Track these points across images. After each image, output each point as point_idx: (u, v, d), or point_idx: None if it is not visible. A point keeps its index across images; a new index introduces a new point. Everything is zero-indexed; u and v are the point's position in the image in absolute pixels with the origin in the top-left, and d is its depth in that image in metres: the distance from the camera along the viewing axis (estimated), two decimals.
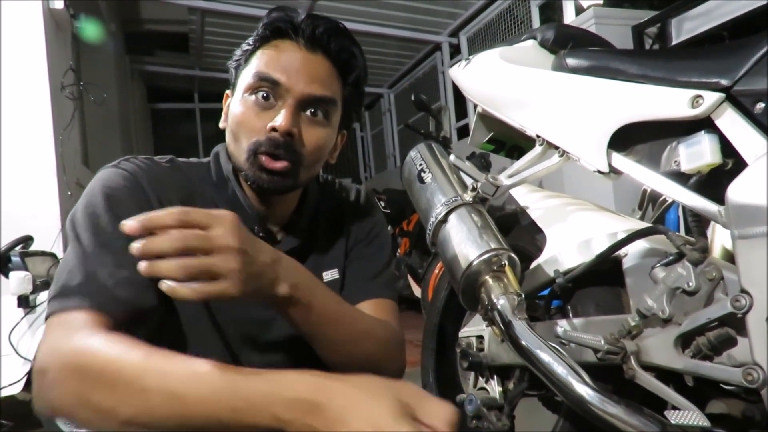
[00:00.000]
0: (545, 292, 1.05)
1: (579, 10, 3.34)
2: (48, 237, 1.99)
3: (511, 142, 1.36)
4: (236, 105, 0.78)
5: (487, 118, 1.30)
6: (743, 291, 0.64)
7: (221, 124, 0.84)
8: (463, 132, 5.01)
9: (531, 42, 1.20)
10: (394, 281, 0.98)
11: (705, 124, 0.83)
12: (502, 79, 1.10)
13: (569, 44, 1.17)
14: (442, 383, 1.32)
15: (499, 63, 1.13)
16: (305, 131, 0.77)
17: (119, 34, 4.81)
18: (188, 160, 0.86)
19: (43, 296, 1.60)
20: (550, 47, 1.17)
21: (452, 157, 1.12)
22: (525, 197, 1.21)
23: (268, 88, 0.76)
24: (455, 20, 4.98)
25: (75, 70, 2.28)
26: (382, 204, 4.12)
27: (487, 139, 1.34)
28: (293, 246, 0.85)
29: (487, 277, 0.91)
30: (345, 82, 0.83)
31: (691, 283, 0.72)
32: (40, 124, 2.04)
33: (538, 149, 1.07)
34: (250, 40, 0.80)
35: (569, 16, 3.52)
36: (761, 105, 0.75)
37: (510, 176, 1.08)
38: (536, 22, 4.06)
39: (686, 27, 2.82)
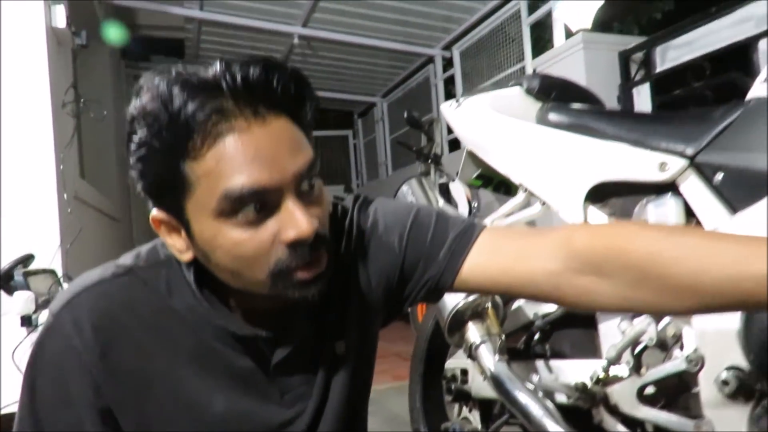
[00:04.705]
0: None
1: (568, 33, 3.43)
2: (47, 253, 2.04)
3: (498, 179, 1.44)
4: (215, 237, 0.57)
5: (475, 156, 1.37)
6: (696, 350, 0.72)
7: (184, 257, 0.62)
8: (454, 145, 5.09)
9: (518, 89, 1.28)
10: (457, 217, 0.72)
11: (671, 187, 0.91)
12: (490, 129, 1.18)
13: (552, 93, 1.26)
14: (429, 409, 1.40)
15: (487, 112, 1.20)
16: (311, 209, 0.58)
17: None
18: (151, 263, 0.68)
19: (44, 315, 1.65)
20: (535, 95, 1.25)
21: (442, 202, 1.19)
22: None
23: (255, 201, 0.55)
24: (449, 35, 5.05)
25: (76, 87, 2.33)
26: None
27: (475, 175, 1.42)
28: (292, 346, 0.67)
29: (472, 319, 0.99)
30: (304, 119, 0.61)
31: (653, 339, 0.80)
32: (41, 142, 2.09)
33: (521, 197, 1.14)
34: (170, 145, 0.54)
35: (559, 39, 3.61)
36: (720, 175, 0.83)
37: (493, 221, 1.15)
38: (527, 41, 4.15)
39: (670, 55, 2.92)
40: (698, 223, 0.88)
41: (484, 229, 0.68)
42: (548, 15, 3.81)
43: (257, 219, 0.56)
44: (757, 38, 2.40)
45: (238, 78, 0.54)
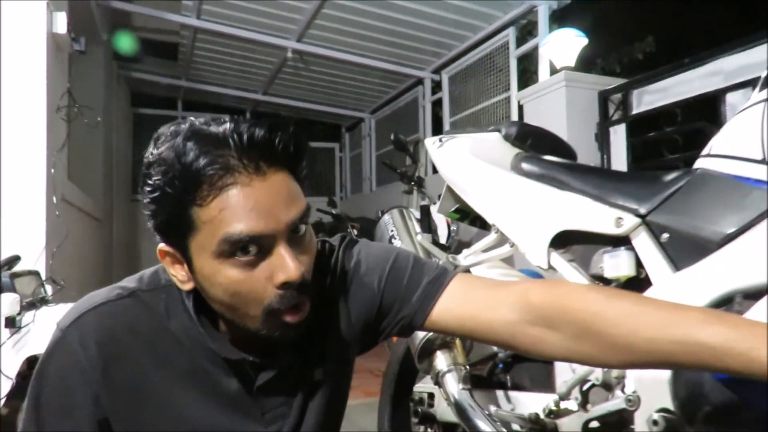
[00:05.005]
0: None
1: (553, 69, 3.58)
2: (32, 254, 2.07)
3: (474, 214, 1.53)
4: (214, 274, 0.64)
5: (454, 192, 1.47)
6: (635, 392, 0.82)
7: (185, 286, 0.69)
8: None
9: (496, 135, 1.38)
10: (432, 263, 0.81)
11: (626, 240, 1.01)
12: (468, 172, 1.27)
13: (528, 141, 1.36)
14: (396, 429, 1.47)
15: (466, 156, 1.30)
16: (300, 256, 0.66)
17: (109, 40, 4.87)
18: (153, 287, 0.74)
19: (28, 316, 1.68)
20: (512, 142, 1.35)
21: (419, 237, 1.28)
22: (483, 272, 1.38)
23: (251, 245, 0.62)
24: (439, 59, 5.20)
25: (71, 92, 2.38)
26: (355, 232, 4.25)
27: (453, 209, 1.51)
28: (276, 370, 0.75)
29: (439, 349, 1.07)
30: (301, 173, 0.69)
31: (599, 379, 0.89)
32: (34, 145, 2.12)
33: (493, 236, 1.24)
34: (181, 192, 0.61)
35: (544, 74, 3.76)
36: (666, 235, 0.94)
37: (467, 257, 1.24)
38: (514, 72, 4.30)
39: (645, 99, 3.08)
40: (647, 275, 0.98)
41: (455, 276, 0.76)
42: (535, 49, 3.97)
43: (252, 261, 0.63)
44: (724, 91, 2.56)
45: (245, 137, 0.62)
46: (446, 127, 5.20)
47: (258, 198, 0.62)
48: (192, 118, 0.67)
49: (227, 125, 0.63)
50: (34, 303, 1.76)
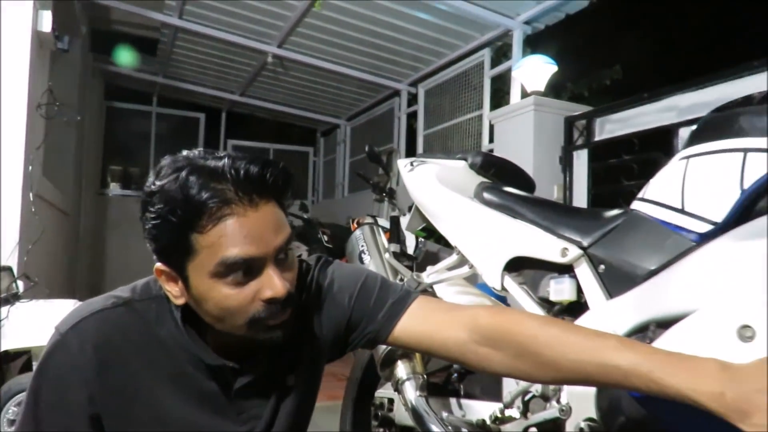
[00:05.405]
0: None
1: (524, 92, 3.75)
2: (5, 250, 2.09)
3: (439, 233, 1.65)
4: (208, 291, 0.72)
5: (422, 212, 1.58)
6: (567, 403, 0.94)
7: (178, 301, 0.77)
8: None
9: (462, 163, 1.50)
10: (397, 286, 0.92)
11: (570, 268, 1.14)
12: (434, 198, 1.39)
13: (491, 170, 1.49)
14: (357, 430, 1.57)
15: (434, 182, 1.41)
16: (285, 274, 0.75)
17: (87, 33, 4.84)
18: (145, 297, 0.82)
19: (3, 312, 1.72)
20: (476, 170, 1.48)
21: (387, 255, 1.39)
22: (445, 289, 1.49)
23: (243, 267, 0.71)
24: (416, 72, 5.34)
25: (51, 90, 2.40)
26: (326, 238, 4.34)
27: (421, 227, 1.63)
28: (257, 371, 0.84)
29: (400, 359, 1.18)
30: (286, 203, 0.78)
31: (538, 391, 1.01)
32: (12, 142, 2.14)
33: (455, 257, 1.36)
34: (183, 220, 0.70)
35: (515, 96, 3.93)
36: (603, 267, 1.06)
37: (430, 275, 1.36)
38: (487, 91, 4.47)
39: (607, 128, 3.27)
40: (586, 300, 1.11)
41: (417, 299, 0.87)
42: (508, 70, 4.14)
43: (243, 281, 0.72)
44: (677, 126, 2.75)
45: (241, 172, 0.71)
46: (420, 139, 5.34)
47: (251, 226, 0.71)
48: (188, 152, 0.76)
49: (225, 161, 0.73)
50: (7, 299, 1.80)
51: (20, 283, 1.99)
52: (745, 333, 0.68)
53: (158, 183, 0.72)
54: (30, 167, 2.17)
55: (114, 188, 6.55)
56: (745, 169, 0.82)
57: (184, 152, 0.76)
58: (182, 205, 0.70)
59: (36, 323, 1.86)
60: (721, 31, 6.82)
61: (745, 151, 0.83)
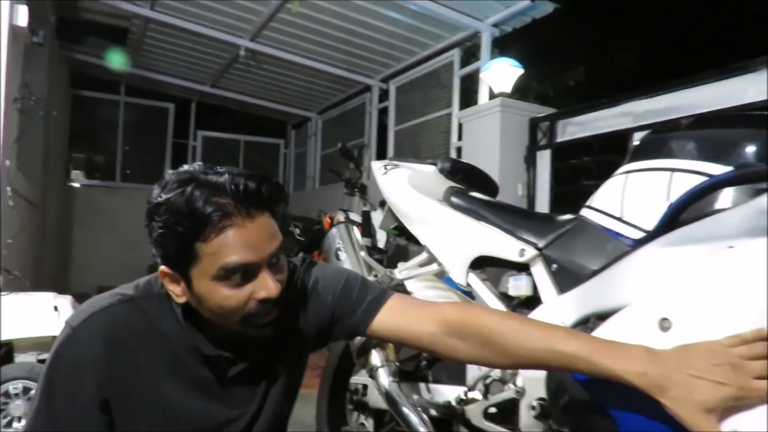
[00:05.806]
0: None
1: (491, 94, 3.90)
2: None
3: (410, 233, 1.77)
4: (209, 292, 0.82)
5: (394, 212, 1.70)
6: (522, 385, 1.08)
7: (180, 299, 0.87)
8: None
9: (432, 168, 1.62)
10: (375, 285, 1.03)
11: (526, 267, 1.27)
12: (406, 200, 1.51)
13: (459, 175, 1.62)
14: (333, 414, 1.69)
15: (405, 186, 1.53)
16: (277, 276, 0.85)
17: (54, 20, 4.74)
18: (147, 294, 0.91)
19: None
20: (445, 175, 1.60)
21: (362, 254, 1.50)
22: (415, 284, 1.62)
23: (241, 271, 0.80)
24: (388, 69, 5.44)
25: (27, 84, 2.41)
26: (297, 231, 4.40)
27: (393, 226, 1.75)
28: (247, 364, 0.94)
29: (374, 348, 1.30)
30: (278, 213, 0.87)
31: (497, 375, 1.15)
32: None
33: (424, 256, 1.48)
34: (188, 231, 0.79)
35: (483, 97, 4.09)
36: (555, 266, 1.20)
37: (401, 271, 1.48)
38: (456, 90, 4.61)
39: (568, 130, 3.46)
40: (540, 295, 1.25)
41: (393, 296, 0.99)
42: (477, 71, 4.28)
43: (241, 283, 0.81)
44: (632, 131, 2.95)
45: (241, 188, 0.81)
46: (391, 135, 5.45)
47: (249, 236, 0.80)
48: (188, 167, 0.86)
49: (226, 176, 0.82)
50: None
51: (0, 278, 2.02)
52: (664, 324, 0.82)
53: (164, 195, 0.80)
54: (7, 162, 2.19)
55: (77, 176, 6.44)
56: (671, 186, 0.96)
57: (186, 166, 0.86)
58: (188, 216, 0.78)
59: (16, 316, 1.90)
60: (679, 38, 7.17)
61: (672, 170, 0.98)
